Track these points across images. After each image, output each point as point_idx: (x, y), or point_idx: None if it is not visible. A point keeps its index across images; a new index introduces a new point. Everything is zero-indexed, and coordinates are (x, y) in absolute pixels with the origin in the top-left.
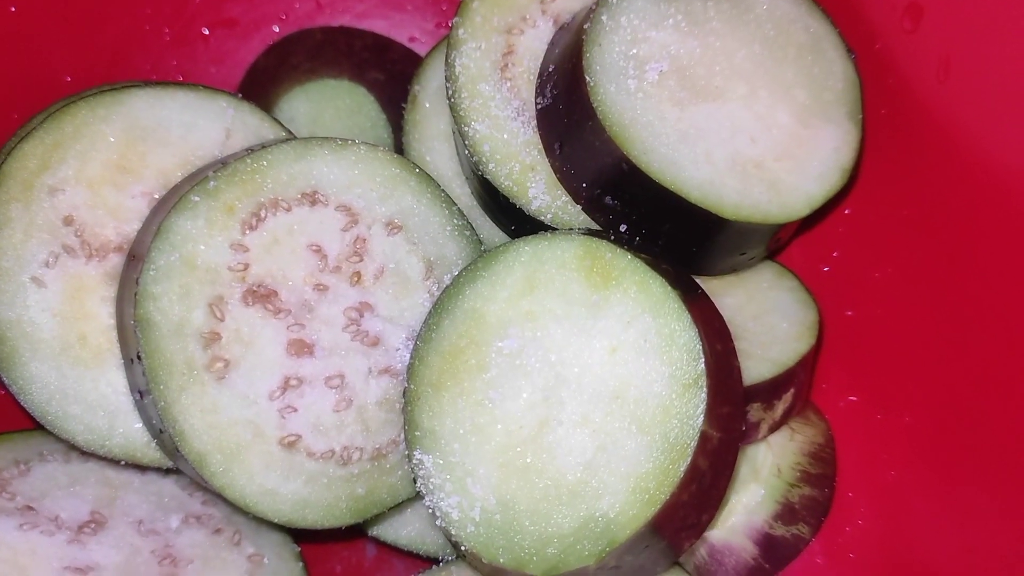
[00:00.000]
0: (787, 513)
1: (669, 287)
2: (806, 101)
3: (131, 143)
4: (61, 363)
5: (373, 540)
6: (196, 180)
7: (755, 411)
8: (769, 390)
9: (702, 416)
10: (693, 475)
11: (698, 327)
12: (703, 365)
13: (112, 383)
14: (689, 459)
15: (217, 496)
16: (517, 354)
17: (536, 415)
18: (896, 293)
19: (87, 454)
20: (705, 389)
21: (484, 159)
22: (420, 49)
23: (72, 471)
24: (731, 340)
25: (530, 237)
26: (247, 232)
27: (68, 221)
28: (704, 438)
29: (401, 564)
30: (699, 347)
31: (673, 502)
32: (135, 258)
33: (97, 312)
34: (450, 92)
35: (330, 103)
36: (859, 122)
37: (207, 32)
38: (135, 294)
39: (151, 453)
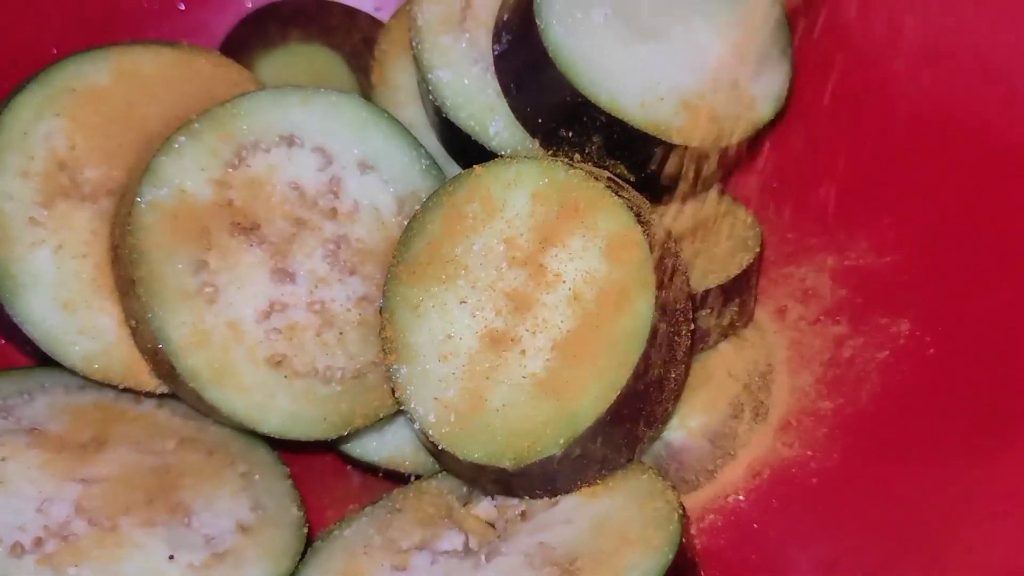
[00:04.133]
0: (739, 413)
1: (619, 197)
2: (740, 39)
3: (120, 94)
4: (60, 296)
5: (357, 466)
6: (182, 125)
7: (704, 318)
8: (717, 297)
9: (653, 312)
10: (646, 365)
11: (647, 233)
12: (652, 266)
13: (109, 312)
14: (642, 350)
15: (209, 420)
16: (483, 267)
17: (503, 321)
18: (829, 214)
19: (85, 387)
20: (655, 287)
21: (447, 103)
22: (384, 17)
23: (72, 400)
24: (677, 246)
25: (492, 161)
26: (230, 170)
27: (62, 166)
28: (655, 332)
29: (383, 488)
30: (648, 250)
31: (629, 391)
32: (127, 196)
33: (92, 249)
34: (414, 44)
35: (303, 68)
36: (790, 56)
37: (183, 7)
38: (129, 228)
39: (146, 379)
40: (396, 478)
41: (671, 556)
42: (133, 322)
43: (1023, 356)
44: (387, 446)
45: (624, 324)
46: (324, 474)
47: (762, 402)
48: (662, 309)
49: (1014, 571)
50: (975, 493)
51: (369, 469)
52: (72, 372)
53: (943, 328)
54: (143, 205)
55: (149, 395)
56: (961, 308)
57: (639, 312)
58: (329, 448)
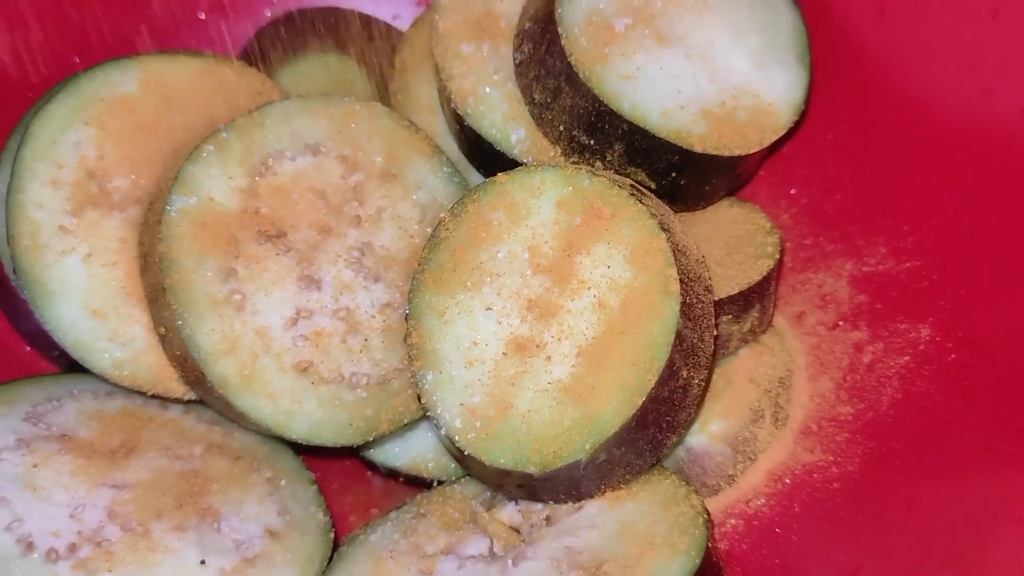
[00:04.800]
0: (759, 419)
1: (642, 204)
2: (759, 46)
3: (147, 103)
4: (90, 303)
5: (379, 472)
6: (209, 134)
7: (725, 324)
8: (737, 303)
9: (678, 317)
10: (671, 371)
11: (670, 239)
12: (676, 272)
13: (138, 320)
14: (667, 356)
15: (235, 426)
16: (508, 274)
17: (528, 327)
18: (847, 220)
19: (113, 393)
20: (679, 294)
21: (468, 112)
22: (402, 26)
23: (100, 407)
24: (700, 252)
25: (516, 169)
26: (256, 179)
27: (91, 175)
28: (680, 337)
29: (404, 493)
30: (672, 256)
31: (654, 396)
32: (156, 204)
33: (121, 257)
34: (435, 52)
35: (322, 77)
36: (807, 64)
37: (203, 16)
38: (159, 237)
39: (174, 385)
40: (417, 483)
41: (698, 560)
42: (162, 329)
43: None
44: (409, 451)
45: (649, 330)
46: (346, 479)
47: (782, 407)
48: (686, 315)
49: None
50: (998, 498)
51: (390, 474)
52: (100, 378)
53: (964, 333)
54: (173, 214)
55: (176, 401)
56: (981, 313)
57: (664, 318)
58: (352, 453)
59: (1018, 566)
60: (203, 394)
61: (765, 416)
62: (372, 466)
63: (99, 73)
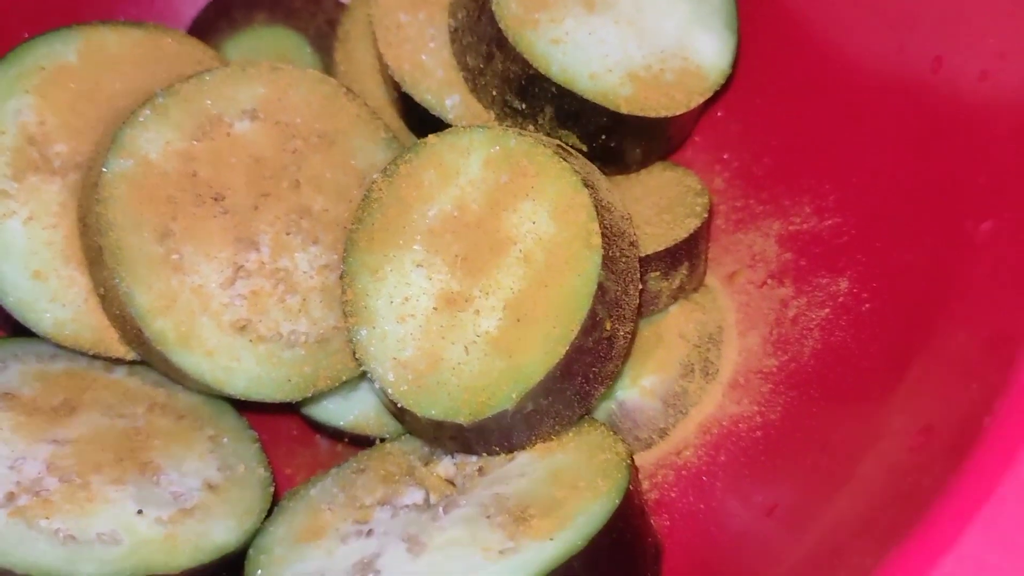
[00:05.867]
0: (690, 373)
1: (566, 161)
2: (687, 13)
3: (88, 72)
4: (31, 265)
5: (325, 435)
6: (146, 100)
7: (654, 281)
8: (665, 260)
9: (599, 270)
10: (593, 322)
11: (594, 196)
12: (598, 226)
13: (78, 282)
14: (589, 307)
15: (179, 388)
16: (438, 232)
17: (457, 283)
18: (775, 182)
19: (57, 356)
20: (601, 247)
21: (405, 79)
22: None
23: (44, 369)
24: (625, 209)
25: (446, 131)
26: (194, 143)
27: (32, 141)
28: (602, 289)
29: (349, 454)
30: (595, 211)
31: (578, 346)
32: (94, 167)
33: (61, 221)
34: (373, 22)
35: (268, 50)
36: (735, 30)
37: None
38: (96, 198)
39: (116, 345)
40: (362, 444)
41: (617, 501)
42: (101, 290)
43: (944, 306)
44: (352, 410)
45: (572, 282)
46: (292, 443)
47: (712, 362)
48: (609, 268)
49: (923, 490)
50: (895, 432)
51: (335, 435)
52: (44, 342)
53: (877, 284)
54: (109, 175)
55: (119, 362)
56: (892, 262)
57: (586, 271)
58: (295, 411)
59: (905, 486)
60: (143, 353)
61: (695, 371)
62: (318, 428)
63: (40, 43)
